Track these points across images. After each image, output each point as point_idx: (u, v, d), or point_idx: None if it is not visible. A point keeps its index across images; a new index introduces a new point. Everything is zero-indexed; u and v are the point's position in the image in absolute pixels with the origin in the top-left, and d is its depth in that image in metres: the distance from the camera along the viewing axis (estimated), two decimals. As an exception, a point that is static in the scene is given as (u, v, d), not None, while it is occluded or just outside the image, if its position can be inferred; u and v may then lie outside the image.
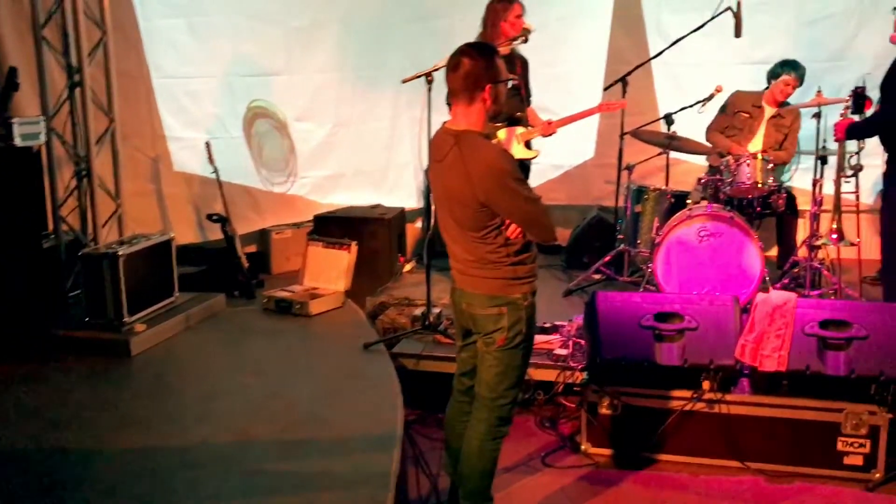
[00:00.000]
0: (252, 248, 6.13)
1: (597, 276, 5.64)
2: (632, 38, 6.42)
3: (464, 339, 3.00)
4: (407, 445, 3.76)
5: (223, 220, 5.39)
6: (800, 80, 5.40)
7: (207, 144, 5.39)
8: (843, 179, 4.56)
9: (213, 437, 3.34)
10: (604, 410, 3.71)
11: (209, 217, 5.47)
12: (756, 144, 5.51)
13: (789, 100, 5.52)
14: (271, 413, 3.54)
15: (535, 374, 4.11)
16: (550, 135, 5.29)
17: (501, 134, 5.21)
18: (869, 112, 4.30)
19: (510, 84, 4.95)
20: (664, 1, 6.34)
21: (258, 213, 6.16)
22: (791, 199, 5.43)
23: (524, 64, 5.31)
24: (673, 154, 5.60)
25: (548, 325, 4.44)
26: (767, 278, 4.78)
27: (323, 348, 4.44)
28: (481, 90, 2.69)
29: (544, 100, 5.83)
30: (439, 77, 4.66)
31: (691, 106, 5.52)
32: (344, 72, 6.34)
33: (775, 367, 3.47)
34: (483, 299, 2.80)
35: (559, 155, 6.79)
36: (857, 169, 4.50)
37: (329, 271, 5.20)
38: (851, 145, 4.71)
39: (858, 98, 4.22)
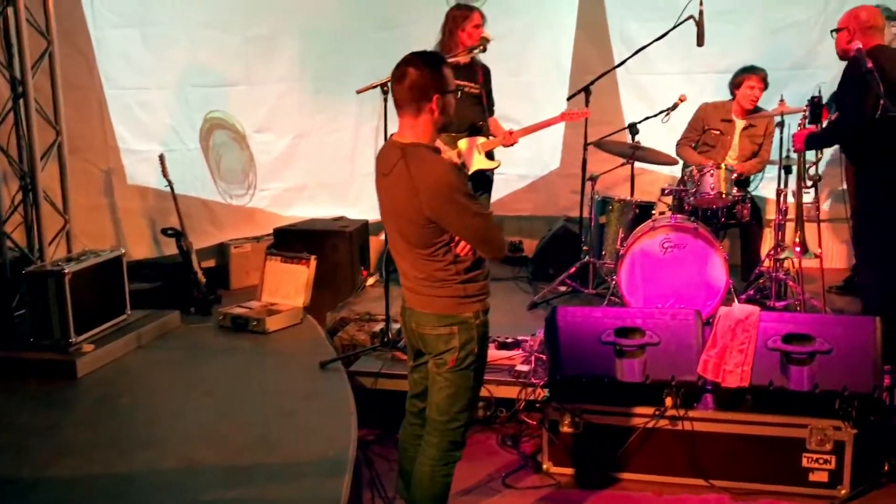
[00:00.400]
0: (211, 263, 5.98)
1: (563, 288, 5.55)
2: (597, 48, 6.37)
3: (415, 359, 2.88)
4: (364, 468, 3.65)
5: (178, 235, 5.24)
6: (764, 83, 5.34)
7: (161, 157, 5.23)
8: (803, 190, 4.50)
9: (158, 463, 3.19)
10: (565, 428, 3.60)
11: (164, 231, 5.32)
12: (731, 160, 5.46)
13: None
14: (220, 436, 3.39)
15: (496, 391, 4.02)
16: (512, 145, 5.20)
17: (462, 144, 5.12)
18: (826, 121, 4.26)
19: (463, 93, 4.85)
20: (629, 10, 6.30)
21: (217, 226, 6.01)
22: (756, 209, 5.38)
23: (486, 73, 5.22)
24: (639, 164, 5.54)
25: (510, 339, 4.34)
26: (733, 290, 4.72)
27: (278, 367, 4.30)
28: (428, 101, 2.58)
29: (508, 109, 5.76)
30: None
31: (655, 116, 5.48)
32: (305, 82, 6.23)
33: (738, 382, 3.39)
34: (433, 319, 2.69)
35: (525, 165, 6.74)
36: (816, 179, 4.45)
37: (287, 286, 5.06)
38: (811, 155, 4.66)
39: (815, 107, 4.16)
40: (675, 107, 5.42)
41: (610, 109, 6.37)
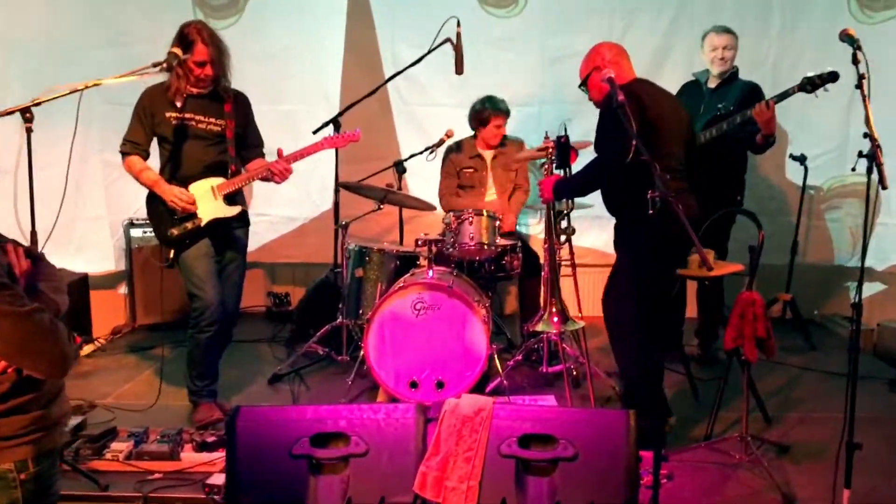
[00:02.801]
0: None
1: (322, 352, 4.71)
2: (368, 75, 5.63)
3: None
4: None
5: None
6: (506, 115, 4.93)
7: None
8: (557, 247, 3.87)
9: None
10: (254, 568, 2.72)
11: None
12: (492, 196, 4.88)
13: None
14: None
15: (182, 512, 3.09)
16: (281, 176, 4.09)
17: (194, 188, 4.05)
18: (576, 164, 3.67)
19: (193, 129, 3.91)
20: (399, 32, 5.65)
21: None
22: (532, 258, 4.77)
23: (239, 102, 4.10)
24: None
25: (213, 438, 3.42)
26: (495, 356, 4.04)
27: None
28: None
29: (268, 142, 4.86)
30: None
31: (420, 153, 4.85)
32: (5, 106, 5.06)
33: (462, 503, 2.62)
34: (-48, 474, 1.74)
35: (292, 206, 5.93)
36: (570, 233, 3.86)
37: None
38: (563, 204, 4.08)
39: (562, 149, 3.55)
40: (440, 143, 4.86)
41: (385, 144, 5.69)
